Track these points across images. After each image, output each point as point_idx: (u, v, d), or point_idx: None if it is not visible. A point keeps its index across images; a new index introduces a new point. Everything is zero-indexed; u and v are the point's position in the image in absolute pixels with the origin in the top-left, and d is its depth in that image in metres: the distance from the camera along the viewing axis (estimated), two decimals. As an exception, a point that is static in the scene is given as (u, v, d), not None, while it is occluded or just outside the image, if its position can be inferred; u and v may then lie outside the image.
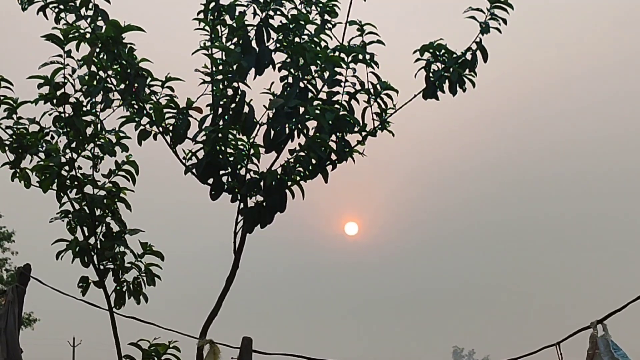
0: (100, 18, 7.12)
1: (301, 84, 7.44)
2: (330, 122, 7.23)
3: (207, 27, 7.39)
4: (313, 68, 7.44)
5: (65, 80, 7.24)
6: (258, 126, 7.28)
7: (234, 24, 7.39)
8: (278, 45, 7.47)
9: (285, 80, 7.49)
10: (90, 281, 7.69)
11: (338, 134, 7.47)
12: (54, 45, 7.11)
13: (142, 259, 7.75)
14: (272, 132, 7.32)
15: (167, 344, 7.64)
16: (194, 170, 7.37)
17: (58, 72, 7.20)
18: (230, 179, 7.40)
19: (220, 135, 7.20)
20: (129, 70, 7.19)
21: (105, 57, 7.15)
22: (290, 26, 7.47)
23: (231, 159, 7.34)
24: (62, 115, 7.33)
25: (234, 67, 7.19)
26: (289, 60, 7.45)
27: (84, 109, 7.38)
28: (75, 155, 7.48)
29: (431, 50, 7.73)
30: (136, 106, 7.32)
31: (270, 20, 7.47)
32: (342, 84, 7.55)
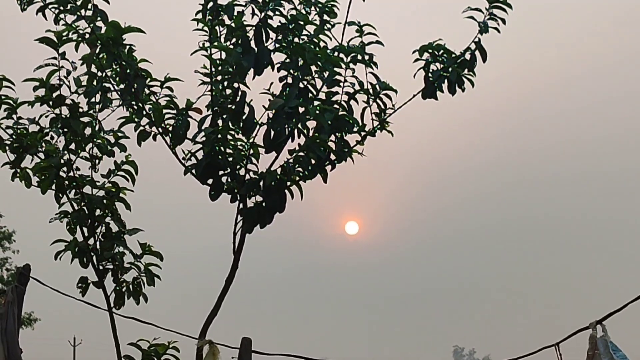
0: (99, 18, 7.13)
1: (301, 85, 7.44)
2: (329, 122, 7.24)
3: (205, 28, 7.39)
4: (313, 68, 7.44)
5: (61, 82, 7.24)
6: (258, 126, 7.29)
7: (233, 24, 7.39)
8: (277, 45, 7.47)
9: (285, 81, 7.49)
10: (90, 281, 7.69)
11: (337, 134, 7.47)
12: (50, 48, 7.12)
13: (141, 259, 7.75)
14: (272, 132, 7.32)
15: (167, 344, 7.64)
16: (193, 171, 7.37)
17: (53, 75, 7.21)
18: (229, 180, 7.40)
19: (219, 135, 7.20)
20: (128, 71, 7.19)
21: (105, 57, 7.15)
22: (290, 26, 7.48)
23: (230, 159, 7.33)
24: (59, 116, 7.33)
25: (234, 67, 7.19)
26: (288, 60, 7.45)
27: (81, 110, 7.38)
28: (73, 156, 7.48)
29: (430, 51, 7.72)
30: (135, 107, 7.33)
31: (269, 21, 7.47)
32: (342, 84, 7.56)
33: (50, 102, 7.32)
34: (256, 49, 7.37)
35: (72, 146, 7.45)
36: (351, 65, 7.56)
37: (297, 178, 7.42)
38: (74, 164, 7.49)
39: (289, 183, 7.39)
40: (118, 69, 7.21)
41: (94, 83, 7.29)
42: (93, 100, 7.39)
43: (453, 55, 7.72)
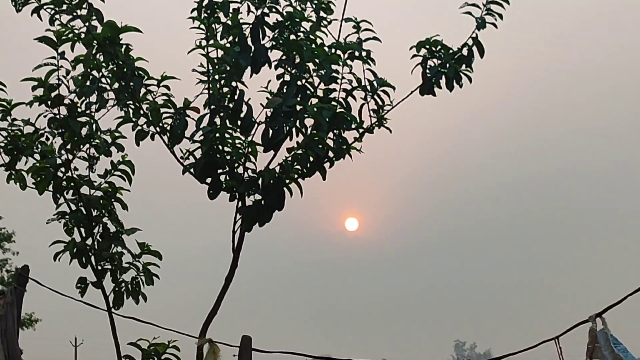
0: (94, 17, 7.10)
1: (298, 82, 7.43)
2: (327, 119, 7.23)
3: (202, 26, 7.37)
4: (310, 66, 7.43)
5: (60, 82, 7.23)
6: (256, 125, 7.28)
7: (229, 22, 7.38)
8: (274, 43, 7.46)
9: (282, 79, 7.48)
10: (89, 282, 7.68)
11: (335, 131, 7.46)
12: (49, 47, 7.10)
13: (140, 259, 7.74)
14: (271, 131, 7.31)
15: (167, 344, 7.64)
16: (191, 170, 7.36)
17: (52, 74, 7.19)
18: (228, 178, 7.39)
19: (217, 134, 7.19)
20: (125, 70, 7.18)
21: (101, 57, 7.14)
22: (286, 24, 7.46)
23: (229, 158, 7.32)
24: (57, 116, 7.32)
25: (231, 65, 7.18)
26: (285, 58, 7.44)
27: (79, 110, 7.37)
28: (70, 157, 7.46)
29: (427, 47, 7.71)
30: (132, 106, 7.31)
31: (266, 18, 7.46)
32: (339, 81, 7.54)
33: (49, 102, 7.30)
34: (253, 47, 7.36)
35: (69, 146, 7.43)
36: (348, 62, 7.55)
37: (296, 176, 7.41)
38: (71, 164, 7.48)
39: (287, 181, 7.39)
40: (115, 69, 7.19)
41: (88, 83, 7.27)
42: (89, 100, 7.37)
43: (450, 51, 7.71)
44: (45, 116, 7.35)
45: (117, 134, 7.57)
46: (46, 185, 7.48)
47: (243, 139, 7.34)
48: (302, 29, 7.52)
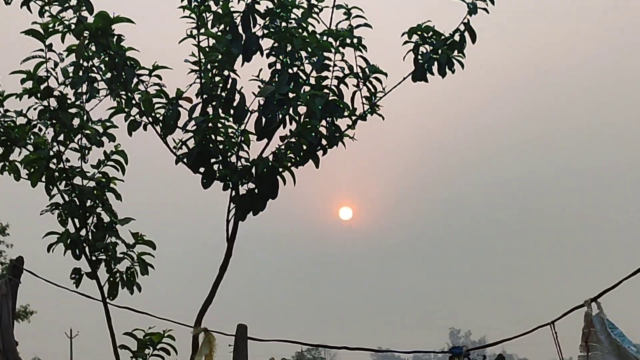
0: (84, 8, 7.08)
1: (290, 70, 7.41)
2: (320, 107, 7.22)
3: (193, 15, 7.34)
4: (302, 53, 7.41)
5: (48, 74, 7.21)
6: (249, 114, 7.27)
7: (220, 11, 7.36)
8: (265, 31, 7.44)
9: (274, 67, 7.47)
10: (83, 272, 7.68)
11: (328, 119, 7.45)
12: (37, 40, 7.09)
13: (134, 249, 7.73)
14: (264, 119, 7.30)
15: (162, 333, 7.65)
16: (185, 160, 7.34)
17: (40, 66, 7.17)
18: (221, 168, 7.37)
19: (210, 124, 7.18)
20: (117, 60, 7.16)
21: (93, 48, 7.12)
22: (277, 11, 7.44)
23: (222, 147, 7.31)
24: (47, 108, 7.30)
25: (223, 54, 7.16)
26: (276, 46, 7.42)
27: (69, 101, 7.35)
28: (62, 148, 7.45)
29: (419, 33, 7.69)
30: (125, 96, 7.30)
31: (256, 6, 7.44)
32: (331, 68, 7.53)
33: (38, 94, 7.28)
34: (244, 36, 7.34)
35: (61, 137, 7.41)
36: (340, 49, 7.53)
37: (289, 164, 7.40)
38: (64, 155, 7.46)
39: (281, 169, 7.37)
40: (106, 59, 7.17)
41: (80, 73, 7.25)
42: (80, 90, 7.36)
43: (442, 37, 7.69)
44: (35, 108, 7.33)
45: (108, 124, 7.55)
46: (39, 176, 7.47)
47: (236, 128, 7.32)
48: (293, 17, 7.49)
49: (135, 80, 7.26)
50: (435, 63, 7.66)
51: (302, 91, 7.33)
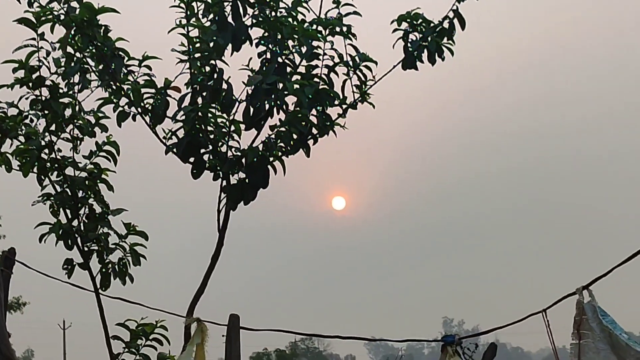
0: (73, -1, 7.06)
1: (279, 59, 7.41)
2: (310, 96, 7.22)
3: (182, 4, 7.32)
4: (290, 43, 7.41)
5: (40, 64, 7.20)
6: (237, 103, 7.26)
7: (209, 0, 7.34)
8: (254, 20, 7.42)
9: (264, 56, 7.46)
10: (75, 263, 7.68)
11: (318, 107, 7.45)
12: (29, 29, 7.07)
13: (126, 240, 7.73)
14: (252, 108, 7.29)
15: (155, 324, 7.66)
16: (174, 150, 7.34)
17: (32, 56, 7.16)
18: (211, 157, 7.36)
19: (199, 113, 7.17)
20: (105, 51, 7.15)
21: (80, 39, 7.11)
22: (267, 0, 7.42)
23: (212, 137, 7.30)
24: (39, 98, 7.29)
25: (211, 44, 7.15)
26: (266, 35, 7.42)
27: (61, 91, 7.34)
28: (54, 138, 7.44)
29: (408, 20, 7.69)
30: (114, 87, 7.29)
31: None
32: (321, 57, 7.52)
33: (30, 84, 7.27)
34: (233, 25, 7.33)
35: (53, 128, 7.41)
36: (329, 37, 7.52)
37: (280, 153, 7.40)
38: (55, 145, 7.46)
39: (271, 159, 7.37)
40: (94, 50, 7.16)
41: (72, 64, 7.25)
42: (72, 81, 7.35)
43: (432, 25, 7.69)
44: (27, 98, 7.32)
45: (100, 115, 7.54)
46: (30, 167, 7.46)
47: (226, 117, 7.32)
48: (282, 5, 7.48)
49: (124, 70, 7.25)
50: (425, 51, 7.68)
51: (290, 80, 7.32)
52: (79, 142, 7.57)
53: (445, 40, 7.67)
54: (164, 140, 7.37)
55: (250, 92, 7.22)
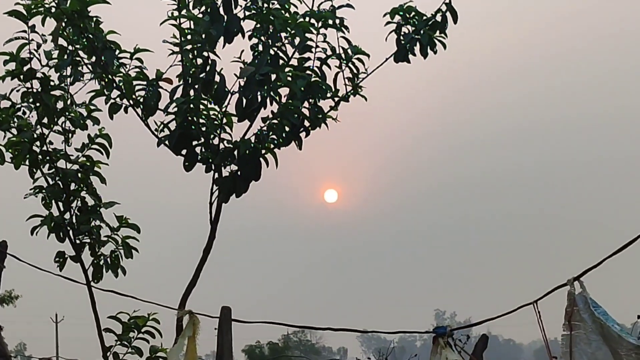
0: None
1: (272, 51, 7.40)
2: (302, 88, 7.21)
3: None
4: (283, 35, 7.40)
5: (31, 56, 7.18)
6: (230, 95, 7.25)
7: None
8: (247, 12, 7.41)
9: (256, 48, 7.45)
10: (67, 256, 7.66)
11: (310, 100, 7.44)
12: (20, 21, 7.05)
13: (118, 232, 7.72)
14: (244, 100, 7.28)
15: (147, 316, 7.65)
16: (166, 142, 7.33)
17: (23, 48, 7.14)
18: (203, 150, 7.35)
19: (191, 105, 7.15)
20: (96, 43, 7.13)
21: (71, 31, 7.09)
22: (259, -8, 7.41)
23: (204, 129, 7.29)
24: (30, 90, 7.27)
25: (203, 36, 7.14)
26: (258, 27, 7.40)
27: (53, 83, 7.32)
28: (46, 131, 7.42)
29: (401, 13, 7.69)
30: (105, 79, 7.27)
31: (238, -13, 7.41)
32: (313, 49, 7.52)
33: (21, 76, 7.25)
34: (225, 17, 7.32)
35: (45, 120, 7.38)
36: (322, 30, 7.51)
37: (272, 146, 7.39)
38: (47, 138, 7.44)
39: (263, 151, 7.36)
40: (86, 42, 7.14)
41: (65, 57, 7.23)
42: (64, 73, 7.33)
43: (424, 18, 7.68)
44: (18, 90, 7.29)
45: (92, 107, 7.52)
46: (22, 159, 7.44)
47: (218, 109, 7.30)
48: (275, -3, 7.47)
49: (116, 63, 7.23)
50: (417, 44, 7.67)
51: (283, 72, 7.31)
52: (70, 134, 7.55)
53: (437, 33, 7.67)
54: (156, 133, 7.36)
55: (242, 83, 7.20)
